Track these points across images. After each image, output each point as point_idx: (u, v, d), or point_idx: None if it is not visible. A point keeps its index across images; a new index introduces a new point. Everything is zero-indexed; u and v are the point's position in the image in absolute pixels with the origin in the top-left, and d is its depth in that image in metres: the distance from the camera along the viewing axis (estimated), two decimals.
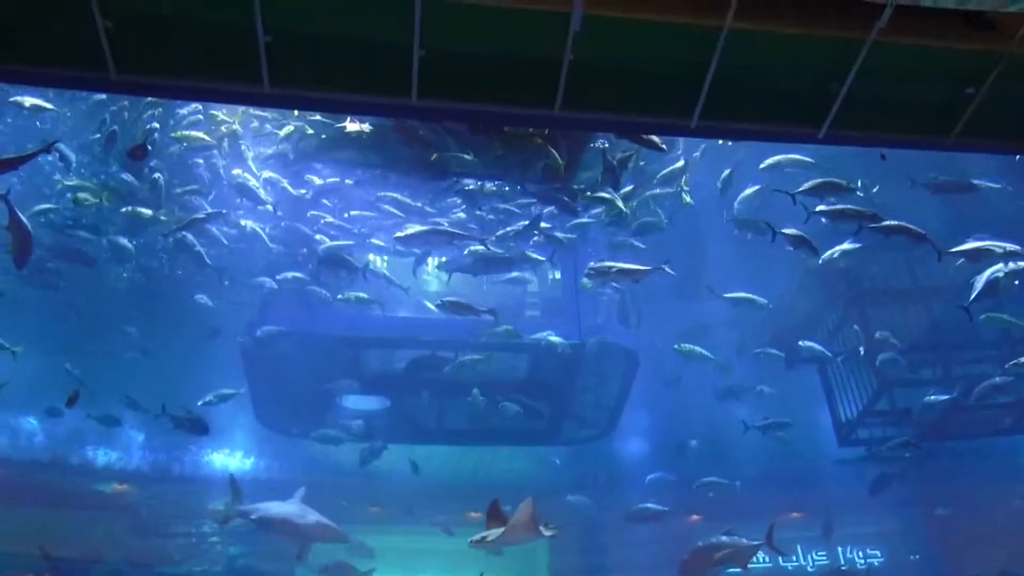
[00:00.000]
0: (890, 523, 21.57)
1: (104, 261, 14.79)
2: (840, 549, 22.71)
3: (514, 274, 13.89)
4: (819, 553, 22.81)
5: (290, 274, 13.31)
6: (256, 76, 5.24)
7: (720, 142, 12.08)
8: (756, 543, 9.48)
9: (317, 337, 13.85)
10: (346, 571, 15.82)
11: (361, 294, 13.40)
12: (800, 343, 14.04)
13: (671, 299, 15.12)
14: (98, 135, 11.94)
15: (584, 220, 12.67)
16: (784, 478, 20.05)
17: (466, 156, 10.29)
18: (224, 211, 12.43)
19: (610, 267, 11.79)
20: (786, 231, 11.07)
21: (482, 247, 12.43)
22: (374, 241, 14.10)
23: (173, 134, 11.62)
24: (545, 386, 15.66)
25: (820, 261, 12.16)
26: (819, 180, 10.53)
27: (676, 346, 14.03)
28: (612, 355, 14.82)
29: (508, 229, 12.75)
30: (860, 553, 22.67)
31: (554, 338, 14.14)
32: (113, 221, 13.69)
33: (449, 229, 12.11)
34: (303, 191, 12.90)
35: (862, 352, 13.17)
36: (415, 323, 14.71)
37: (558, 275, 16.91)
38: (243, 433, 20.06)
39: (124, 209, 12.69)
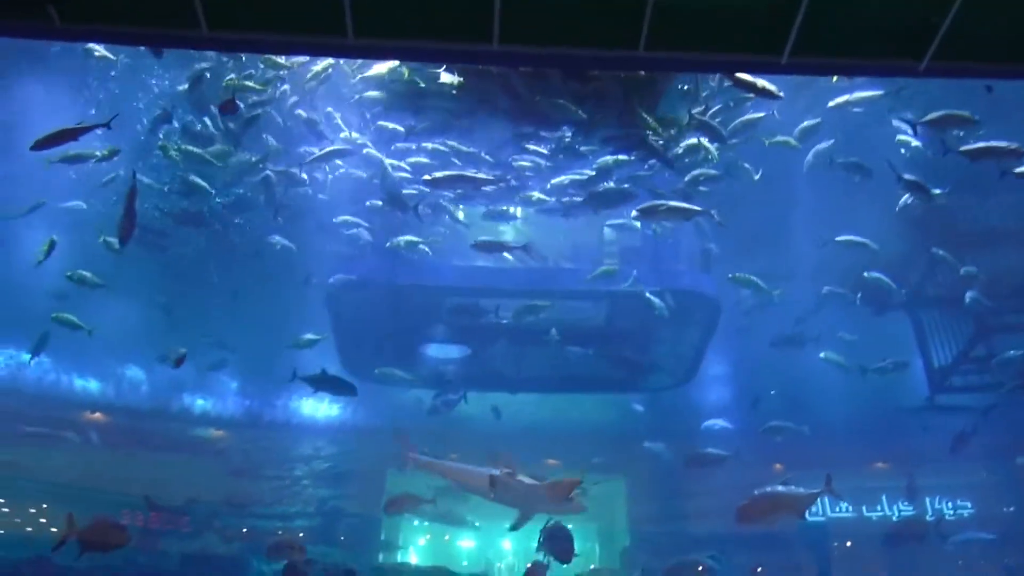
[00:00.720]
0: (982, 474, 20.97)
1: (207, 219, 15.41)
2: (928, 500, 22.28)
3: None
4: (905, 504, 22.45)
5: (346, 218, 13.56)
6: (341, 28, 5.33)
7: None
8: (814, 492, 9.30)
9: (398, 286, 14.14)
10: (411, 500, 16.34)
11: (412, 238, 13.55)
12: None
13: (756, 246, 14.76)
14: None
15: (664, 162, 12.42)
16: (871, 428, 19.64)
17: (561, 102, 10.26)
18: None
19: (658, 206, 11.63)
20: (906, 176, 10.66)
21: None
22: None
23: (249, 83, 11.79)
24: (625, 334, 15.67)
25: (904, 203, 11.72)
26: (943, 112, 9.93)
27: (730, 275, 13.73)
28: (693, 303, 14.65)
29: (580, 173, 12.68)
30: (949, 504, 22.18)
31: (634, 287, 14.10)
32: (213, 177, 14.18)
33: (476, 175, 12.20)
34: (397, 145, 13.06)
35: (959, 295, 12.57)
36: (495, 272, 14.86)
37: (637, 225, 16.77)
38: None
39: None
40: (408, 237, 13.54)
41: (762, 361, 16.62)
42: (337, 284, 14.48)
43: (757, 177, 12.83)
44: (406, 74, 11.39)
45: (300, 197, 14.05)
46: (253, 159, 13.05)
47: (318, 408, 22.81)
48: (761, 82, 9.31)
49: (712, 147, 11.48)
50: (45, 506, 21.21)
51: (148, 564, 19.73)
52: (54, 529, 20.79)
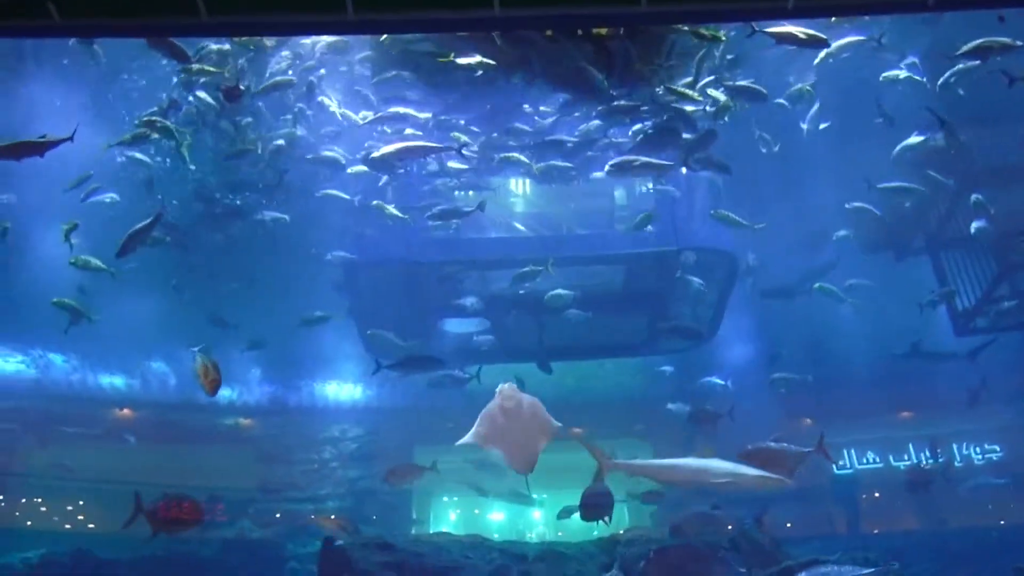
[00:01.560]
0: (1011, 417, 20.86)
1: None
2: (955, 446, 22.24)
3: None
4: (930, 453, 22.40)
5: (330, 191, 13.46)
6: (340, 4, 5.30)
7: None
8: (804, 451, 9.30)
9: (413, 262, 14.16)
10: (412, 470, 16.46)
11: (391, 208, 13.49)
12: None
13: (771, 201, 14.62)
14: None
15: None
16: (895, 377, 19.55)
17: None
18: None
19: (631, 161, 11.50)
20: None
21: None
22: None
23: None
24: (642, 296, 15.64)
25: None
26: (984, 40, 9.67)
27: (712, 212, 13.55)
28: (710, 260, 14.58)
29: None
30: (977, 449, 22.12)
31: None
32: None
33: (424, 144, 11.88)
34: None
35: (978, 233, 12.37)
36: (508, 243, 14.85)
37: (648, 186, 16.67)
38: (351, 363, 21.00)
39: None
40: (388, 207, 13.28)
41: (784, 315, 16.53)
42: (352, 263, 14.52)
43: (776, 148, 12.72)
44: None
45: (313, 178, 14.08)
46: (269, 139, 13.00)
47: (342, 391, 23.06)
48: (806, 31, 9.12)
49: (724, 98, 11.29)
50: (82, 503, 21.67)
51: (189, 552, 20.20)
52: (92, 525, 21.34)
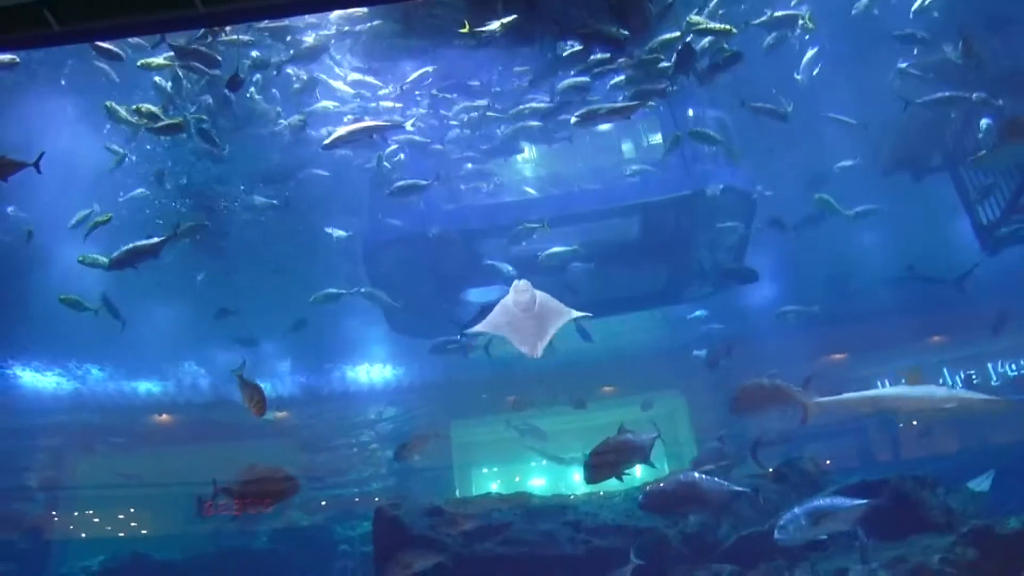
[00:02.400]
0: None
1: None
2: (989, 365, 22.03)
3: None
4: (968, 371, 22.21)
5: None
6: None
7: None
8: (794, 388, 9.29)
9: (430, 235, 14.08)
10: (422, 441, 16.53)
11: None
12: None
13: (779, 135, 14.34)
14: None
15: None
16: (925, 301, 19.31)
17: None
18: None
19: (596, 110, 11.25)
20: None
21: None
22: None
23: None
24: (662, 244, 15.46)
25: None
26: None
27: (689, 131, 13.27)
28: (727, 200, 14.35)
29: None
30: (1012, 366, 21.90)
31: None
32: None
33: (373, 123, 11.54)
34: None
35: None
36: (520, 206, 14.72)
37: (657, 138, 16.45)
38: (379, 346, 21.11)
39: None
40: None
41: (805, 249, 16.28)
42: (372, 241, 14.48)
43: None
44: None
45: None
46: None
47: (373, 373, 23.18)
48: None
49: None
50: (132, 509, 22.04)
51: (241, 547, 20.55)
52: (144, 531, 21.73)
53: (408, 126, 12.69)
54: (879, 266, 18.12)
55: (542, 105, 13.17)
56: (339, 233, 14.49)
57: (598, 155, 16.71)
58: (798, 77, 13.13)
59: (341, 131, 10.98)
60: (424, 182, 12.99)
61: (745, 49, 11.91)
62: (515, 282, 7.50)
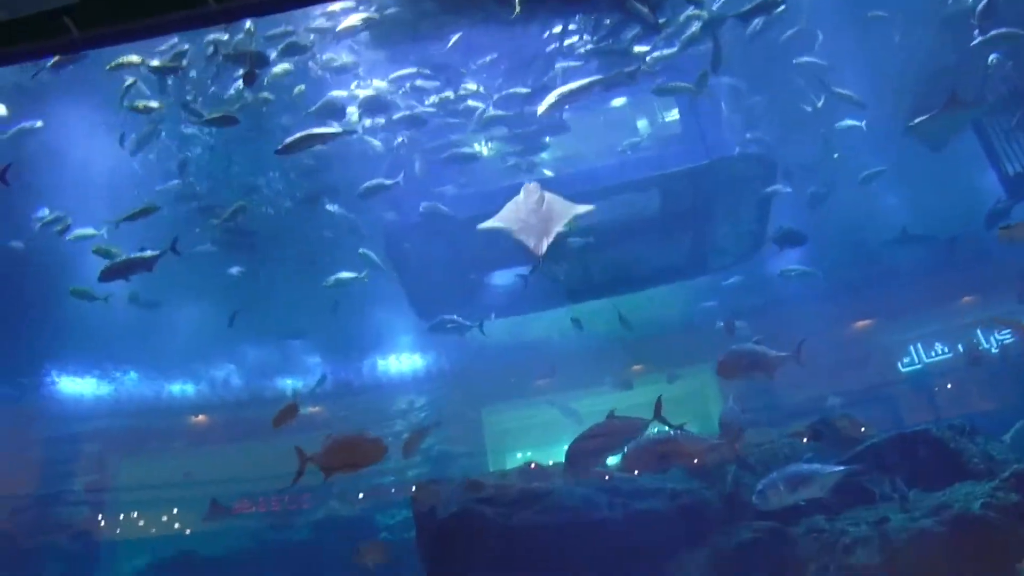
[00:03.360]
0: None
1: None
2: None
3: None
4: (1002, 332, 21.84)
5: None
6: None
7: None
8: (782, 354, 9.24)
9: (453, 218, 14.10)
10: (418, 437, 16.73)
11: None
12: None
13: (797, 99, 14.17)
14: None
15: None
16: (951, 262, 19.07)
17: None
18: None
19: (580, 84, 10.93)
20: None
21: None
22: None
23: None
24: (682, 216, 15.40)
25: None
26: None
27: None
28: (746, 167, 14.25)
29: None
30: None
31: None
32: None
33: (325, 131, 11.12)
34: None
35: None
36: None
37: (673, 114, 16.38)
38: (407, 335, 21.26)
39: None
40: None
41: (828, 214, 16.12)
42: (394, 226, 14.56)
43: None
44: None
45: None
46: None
47: (403, 363, 23.37)
48: None
49: None
50: (175, 510, 22.43)
51: (284, 539, 20.88)
52: (188, 530, 22.11)
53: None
54: (903, 226, 17.90)
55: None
56: (337, 209, 14.42)
57: (612, 133, 16.67)
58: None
59: (296, 137, 10.49)
60: (389, 182, 12.96)
61: None
62: (526, 184, 7.78)
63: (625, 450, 8.38)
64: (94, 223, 13.16)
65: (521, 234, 7.34)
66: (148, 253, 10.74)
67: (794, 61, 12.93)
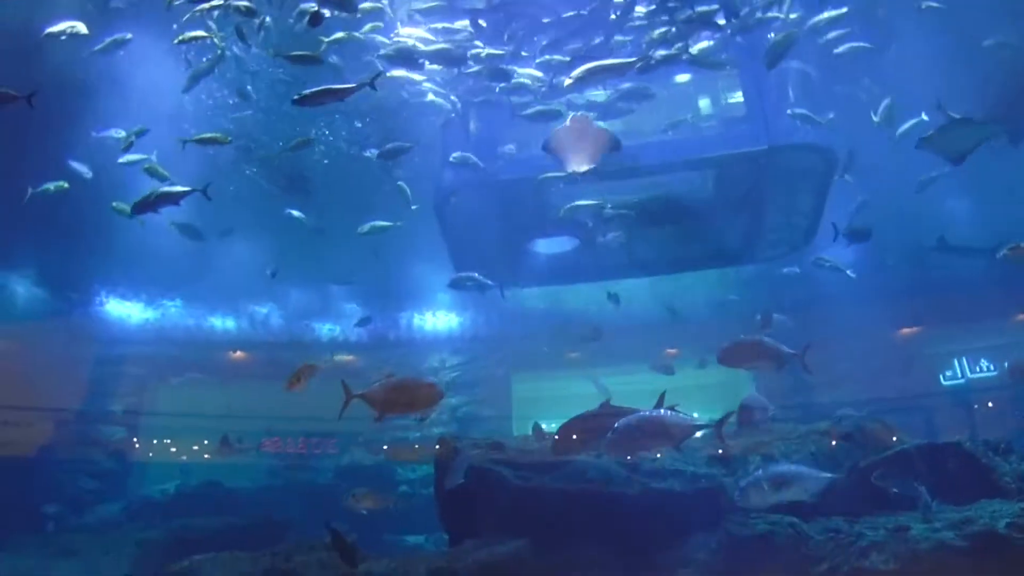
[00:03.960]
0: None
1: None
2: None
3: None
4: None
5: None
6: None
7: None
8: (790, 351, 9.00)
9: (503, 182, 14.07)
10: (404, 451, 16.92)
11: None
12: None
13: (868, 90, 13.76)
14: None
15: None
16: (1013, 275, 18.45)
17: None
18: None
19: (594, 69, 10.50)
20: None
21: None
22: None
23: None
24: (735, 202, 15.16)
25: None
26: None
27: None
28: (804, 156, 13.91)
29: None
30: None
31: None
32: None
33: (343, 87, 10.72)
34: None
35: None
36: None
37: (737, 96, 16.03)
38: (445, 293, 21.43)
39: None
40: None
41: (886, 214, 15.69)
42: (445, 186, 14.60)
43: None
44: None
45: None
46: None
47: (439, 321, 23.65)
48: None
49: None
50: (207, 441, 23.20)
51: (307, 480, 21.51)
52: (216, 462, 22.87)
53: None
54: (965, 235, 17.39)
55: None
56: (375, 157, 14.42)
57: (674, 110, 16.40)
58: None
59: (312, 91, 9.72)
60: (408, 144, 12.88)
61: None
62: (572, 113, 8.47)
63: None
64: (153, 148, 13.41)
65: (566, 156, 7.62)
66: (178, 188, 10.51)
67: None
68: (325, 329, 23.86)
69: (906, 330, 22.59)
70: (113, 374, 22.51)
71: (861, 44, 12.63)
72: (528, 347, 21.59)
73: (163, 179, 12.30)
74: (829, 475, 8.43)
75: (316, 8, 10.95)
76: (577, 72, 10.72)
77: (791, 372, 21.27)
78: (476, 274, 14.51)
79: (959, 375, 22.46)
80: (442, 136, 14.49)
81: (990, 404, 21.60)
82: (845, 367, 19.85)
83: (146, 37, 12.53)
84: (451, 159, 13.84)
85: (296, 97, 9.31)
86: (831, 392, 20.54)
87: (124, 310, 22.50)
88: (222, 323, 23.74)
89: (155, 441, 22.68)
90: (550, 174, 12.94)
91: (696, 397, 12.49)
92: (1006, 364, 21.41)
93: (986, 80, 12.86)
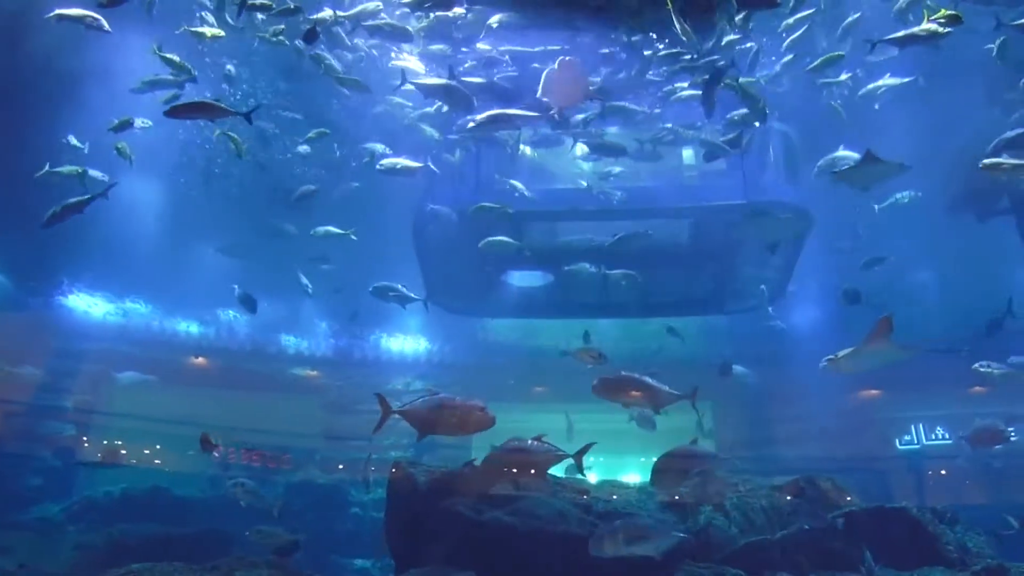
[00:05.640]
0: None
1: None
2: None
3: None
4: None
5: None
6: None
7: None
8: (674, 392, 9.22)
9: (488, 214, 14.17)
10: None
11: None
12: None
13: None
14: None
15: None
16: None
17: None
18: None
19: (495, 115, 10.98)
20: None
21: None
22: None
23: None
24: (709, 252, 15.45)
25: None
26: None
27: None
28: (782, 215, 14.22)
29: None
30: None
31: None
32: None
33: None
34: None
35: None
36: (576, 195, 14.79)
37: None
38: (416, 317, 21.41)
39: None
40: None
41: (853, 279, 16.07)
42: (422, 216, 14.71)
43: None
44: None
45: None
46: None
47: (406, 344, 23.56)
48: None
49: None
50: (159, 446, 22.75)
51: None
52: (166, 468, 22.42)
53: None
54: (929, 305, 17.82)
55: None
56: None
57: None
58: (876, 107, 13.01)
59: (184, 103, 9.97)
60: (415, 164, 13.09)
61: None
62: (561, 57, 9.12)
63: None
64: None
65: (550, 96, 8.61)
66: (81, 199, 10.72)
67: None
68: (291, 342, 23.67)
69: (867, 392, 22.96)
70: (69, 369, 22.07)
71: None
72: (494, 379, 21.59)
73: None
74: (681, 534, 8.51)
75: (312, 26, 11.15)
76: (481, 117, 11.13)
77: (747, 425, 21.67)
78: (400, 285, 14.58)
79: (915, 441, 22.84)
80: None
81: (943, 472, 21.97)
82: (804, 424, 20.15)
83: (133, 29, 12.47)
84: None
85: (167, 109, 9.36)
86: (789, 446, 20.79)
87: (86, 304, 22.11)
88: (186, 327, 23.43)
89: (105, 442, 22.21)
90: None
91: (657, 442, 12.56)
92: (960, 434, 21.99)
93: (958, 157, 13.29)
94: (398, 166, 13.11)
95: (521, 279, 17.08)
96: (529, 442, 7.99)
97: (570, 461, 9.05)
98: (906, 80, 12.52)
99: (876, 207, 14.17)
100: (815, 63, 11.87)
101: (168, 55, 12.08)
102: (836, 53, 11.62)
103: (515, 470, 8.55)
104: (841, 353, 9.27)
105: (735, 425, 20.97)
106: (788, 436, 20.79)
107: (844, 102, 13.10)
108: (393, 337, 23.46)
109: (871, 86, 12.82)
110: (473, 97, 11.41)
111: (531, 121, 11.91)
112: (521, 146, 15.55)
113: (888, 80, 12.68)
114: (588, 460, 8.88)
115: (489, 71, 12.91)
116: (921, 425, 22.90)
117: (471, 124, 11.52)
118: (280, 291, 20.59)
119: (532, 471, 8.45)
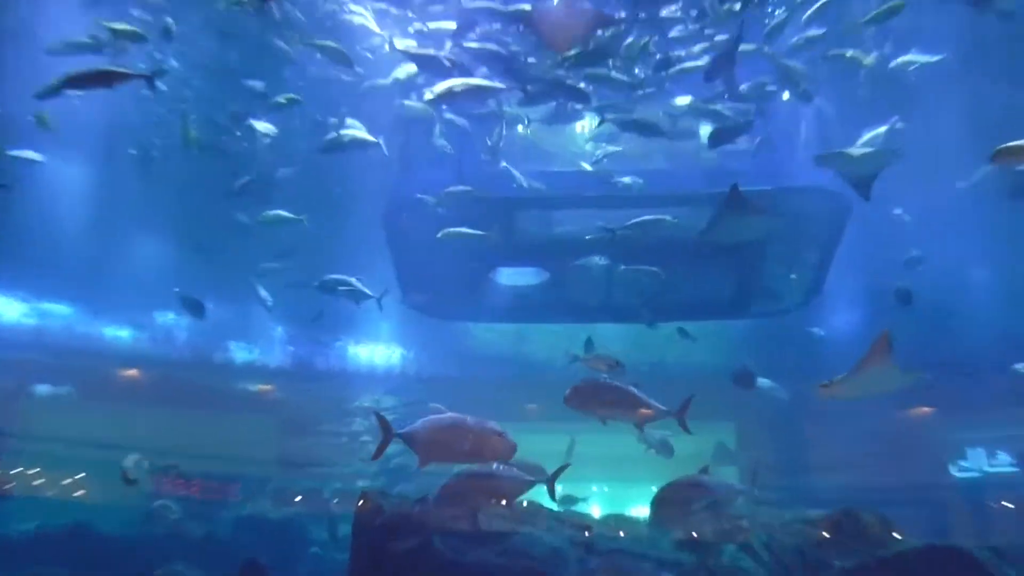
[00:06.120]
0: None
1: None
2: None
3: None
4: None
5: None
6: None
7: None
8: (659, 407, 9.32)
9: (467, 200, 14.10)
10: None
11: None
12: None
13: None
14: None
15: None
16: None
17: None
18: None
19: (453, 86, 11.24)
20: None
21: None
22: None
23: None
24: (732, 246, 15.40)
25: None
26: None
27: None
28: (815, 203, 14.23)
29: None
30: None
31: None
32: None
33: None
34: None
35: None
36: (575, 178, 14.76)
37: None
38: (389, 323, 21.35)
39: None
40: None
41: (899, 277, 16.11)
42: (396, 202, 14.64)
43: None
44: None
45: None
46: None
47: (377, 353, 23.46)
48: None
49: None
50: (83, 474, 22.58)
51: (195, 531, 20.95)
52: (90, 500, 22.24)
53: None
54: (983, 304, 17.90)
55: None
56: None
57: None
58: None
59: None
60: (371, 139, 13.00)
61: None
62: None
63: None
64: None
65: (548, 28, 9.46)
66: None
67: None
68: (241, 350, 23.54)
69: (916, 410, 23.04)
70: None
71: None
72: (479, 393, 21.53)
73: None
74: None
75: None
76: (439, 87, 11.34)
77: (776, 448, 21.71)
78: (354, 279, 14.52)
79: (974, 467, 22.91)
80: (404, 142, 14.59)
81: (1006, 503, 22.06)
82: (843, 448, 20.20)
83: None
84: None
85: (58, 79, 9.36)
86: (825, 476, 20.83)
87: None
88: (115, 334, 23.25)
89: (19, 469, 22.03)
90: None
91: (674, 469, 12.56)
92: None
93: None
94: (346, 139, 12.99)
95: (511, 277, 17.05)
96: (495, 467, 7.96)
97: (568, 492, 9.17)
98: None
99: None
100: (871, 14, 11.87)
101: (116, 25, 11.98)
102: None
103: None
104: (837, 378, 9.24)
105: (762, 449, 21.02)
106: (825, 462, 20.84)
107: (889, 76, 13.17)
108: (361, 344, 23.34)
109: (901, 59, 12.94)
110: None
111: (498, 92, 12.00)
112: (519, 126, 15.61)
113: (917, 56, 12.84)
114: (590, 490, 8.98)
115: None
116: (980, 449, 22.97)
117: (428, 95, 11.59)
118: (228, 290, 20.53)
119: (495, 500, 8.45)
